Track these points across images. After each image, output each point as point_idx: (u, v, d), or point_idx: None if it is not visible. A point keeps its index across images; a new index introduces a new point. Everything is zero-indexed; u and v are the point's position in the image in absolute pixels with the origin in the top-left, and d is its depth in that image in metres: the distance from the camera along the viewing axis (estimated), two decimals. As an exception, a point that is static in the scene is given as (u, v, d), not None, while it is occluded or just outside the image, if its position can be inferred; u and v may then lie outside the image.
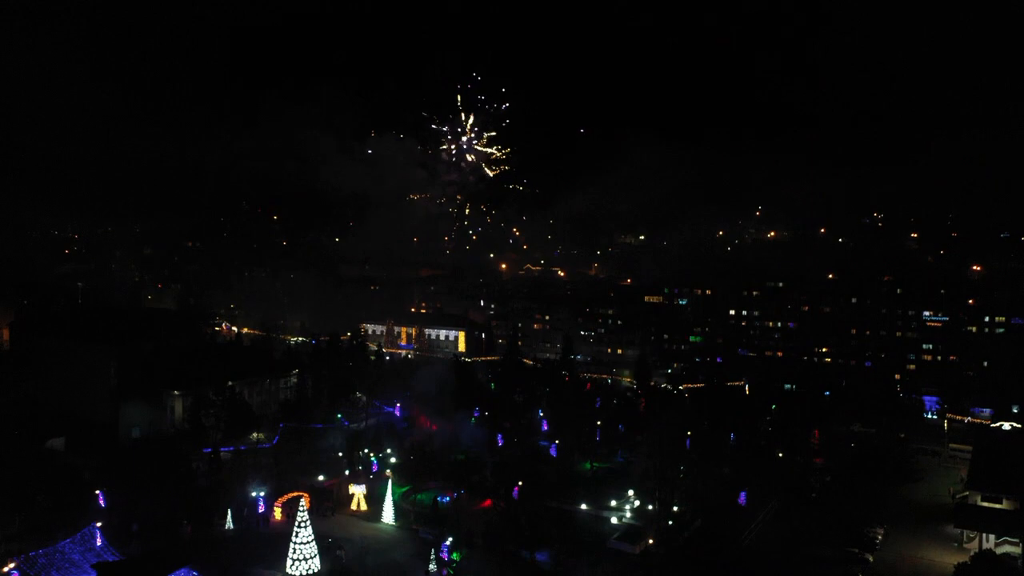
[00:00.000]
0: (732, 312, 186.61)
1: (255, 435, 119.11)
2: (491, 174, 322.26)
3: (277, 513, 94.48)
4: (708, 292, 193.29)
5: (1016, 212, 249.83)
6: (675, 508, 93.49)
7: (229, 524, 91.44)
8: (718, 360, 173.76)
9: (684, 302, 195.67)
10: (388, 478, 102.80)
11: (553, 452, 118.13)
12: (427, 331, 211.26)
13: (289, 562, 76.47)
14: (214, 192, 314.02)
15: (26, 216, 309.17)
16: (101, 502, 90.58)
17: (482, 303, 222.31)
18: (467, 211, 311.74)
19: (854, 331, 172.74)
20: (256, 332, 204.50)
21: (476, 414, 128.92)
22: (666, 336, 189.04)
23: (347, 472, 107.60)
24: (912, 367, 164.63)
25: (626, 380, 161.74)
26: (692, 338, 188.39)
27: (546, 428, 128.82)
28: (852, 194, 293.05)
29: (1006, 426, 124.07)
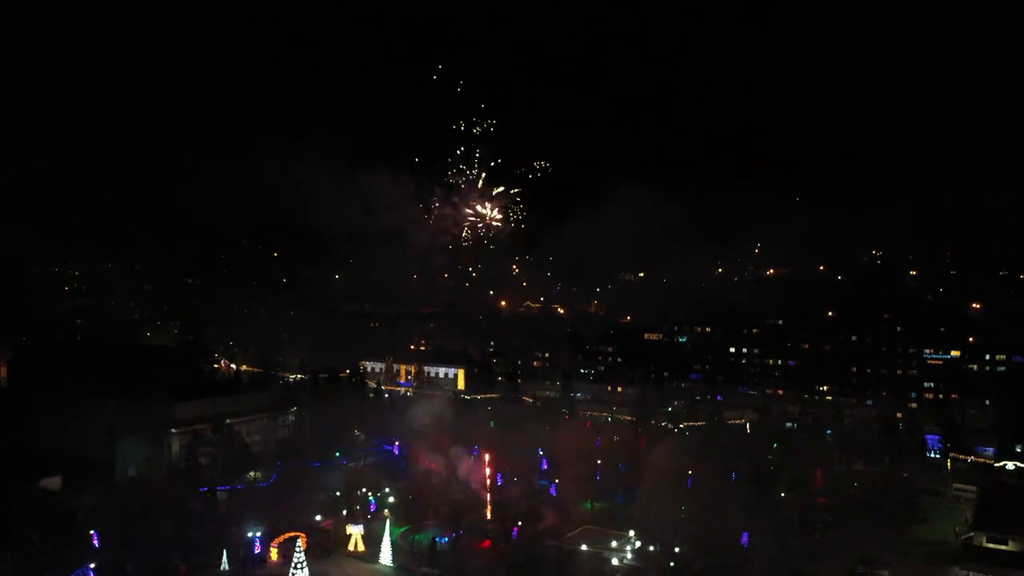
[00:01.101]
0: (732, 350, 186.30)
1: (252, 474, 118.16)
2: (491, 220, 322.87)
3: (273, 554, 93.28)
4: (708, 329, 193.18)
5: (1014, 250, 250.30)
6: (676, 549, 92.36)
7: (225, 565, 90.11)
8: (718, 398, 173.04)
9: (684, 339, 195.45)
10: (386, 518, 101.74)
11: (553, 491, 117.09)
12: (426, 368, 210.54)
13: (285, 604, 75.41)
14: (214, 229, 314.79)
15: (26, 252, 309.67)
16: (95, 542, 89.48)
17: (481, 340, 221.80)
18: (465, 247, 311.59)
19: (854, 369, 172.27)
20: (255, 369, 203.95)
21: (475, 452, 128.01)
22: (666, 374, 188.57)
23: (344, 512, 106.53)
24: (914, 405, 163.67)
25: (626, 418, 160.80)
26: (692, 375, 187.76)
27: (545, 467, 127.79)
28: (850, 232, 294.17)
29: (1010, 465, 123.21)
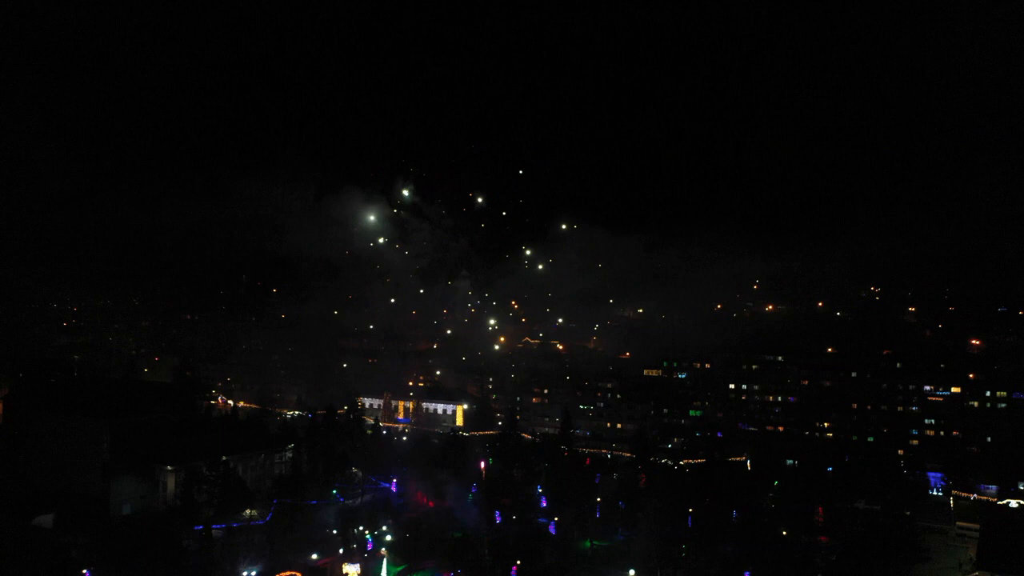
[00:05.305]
0: (732, 386, 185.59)
1: (248, 512, 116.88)
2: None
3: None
4: (707, 365, 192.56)
5: (1013, 285, 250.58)
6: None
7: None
8: (718, 435, 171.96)
9: (683, 376, 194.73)
10: (383, 557, 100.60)
11: (552, 530, 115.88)
12: (424, 405, 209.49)
13: (280, 645, 74.12)
14: (213, 265, 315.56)
15: (25, 288, 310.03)
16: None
17: (480, 376, 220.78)
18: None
19: (855, 405, 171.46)
20: (252, 406, 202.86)
21: (474, 490, 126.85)
22: (666, 410, 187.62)
23: (341, 550, 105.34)
24: (915, 442, 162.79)
25: (626, 455, 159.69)
26: (692, 412, 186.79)
27: (545, 505, 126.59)
28: (850, 268, 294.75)
29: (1013, 503, 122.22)
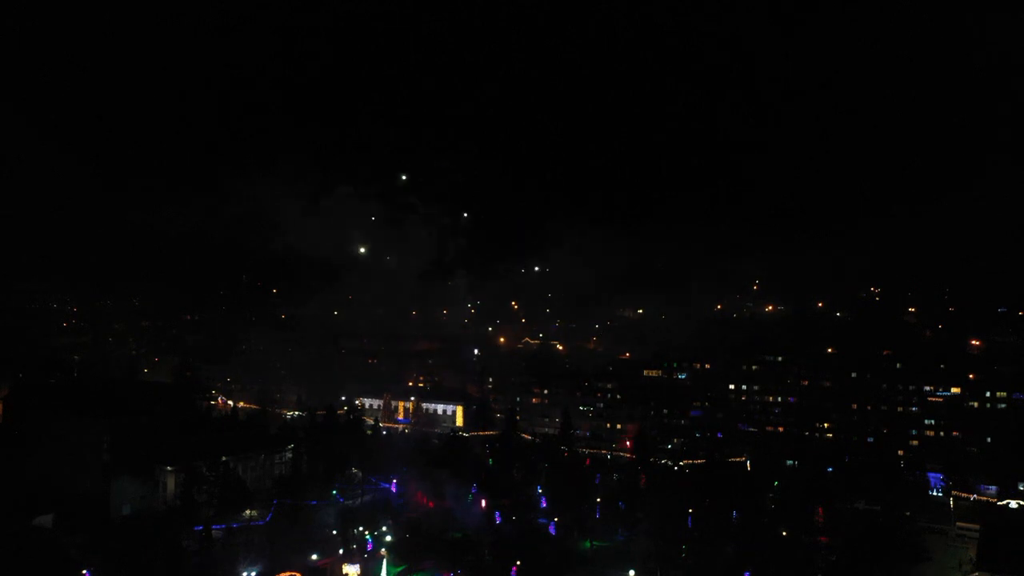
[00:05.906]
0: (732, 386, 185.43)
1: (248, 512, 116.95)
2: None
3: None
4: (707, 366, 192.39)
5: (1013, 286, 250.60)
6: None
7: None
8: (718, 435, 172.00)
9: (683, 376, 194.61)
10: (383, 557, 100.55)
11: (552, 530, 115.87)
12: (424, 405, 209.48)
13: (279, 646, 74.08)
14: (213, 265, 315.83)
15: (25, 288, 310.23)
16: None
17: (480, 377, 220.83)
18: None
19: (855, 406, 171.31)
20: (252, 406, 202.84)
21: (473, 491, 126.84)
22: (666, 411, 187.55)
23: (341, 551, 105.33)
24: (915, 443, 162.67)
25: (626, 456, 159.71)
26: (692, 413, 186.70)
27: (545, 505, 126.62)
28: (849, 268, 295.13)
29: (1013, 504, 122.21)
